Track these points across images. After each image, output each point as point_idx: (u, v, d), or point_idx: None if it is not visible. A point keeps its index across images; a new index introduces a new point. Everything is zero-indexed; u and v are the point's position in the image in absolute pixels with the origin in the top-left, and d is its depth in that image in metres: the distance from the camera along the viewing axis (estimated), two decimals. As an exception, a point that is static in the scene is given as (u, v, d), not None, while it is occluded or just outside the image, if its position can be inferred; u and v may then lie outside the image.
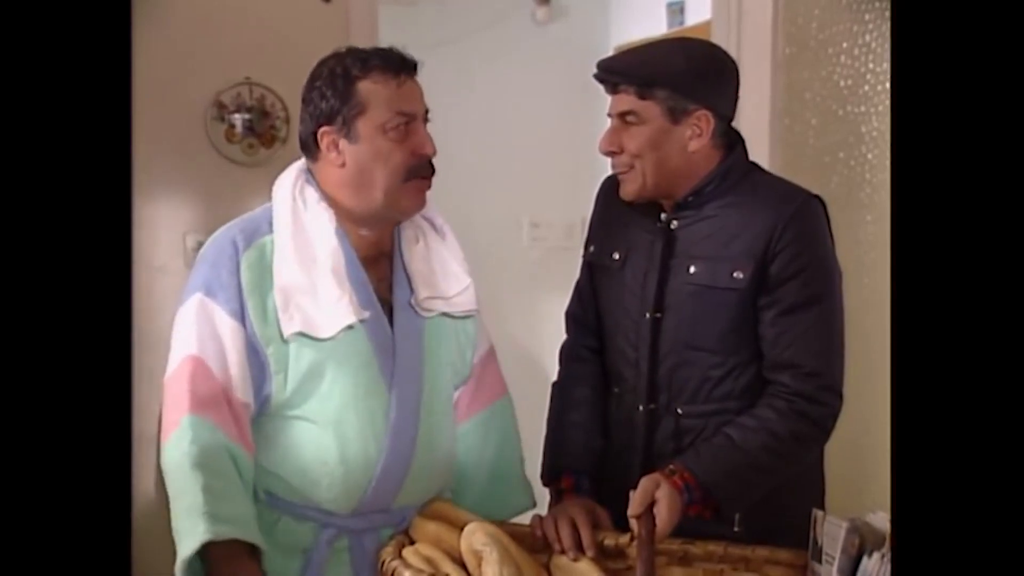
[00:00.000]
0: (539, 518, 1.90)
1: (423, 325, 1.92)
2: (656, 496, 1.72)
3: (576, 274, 2.14)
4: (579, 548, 1.81)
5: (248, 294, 1.80)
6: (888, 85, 2.88)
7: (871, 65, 2.95)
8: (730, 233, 1.89)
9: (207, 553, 1.72)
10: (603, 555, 1.82)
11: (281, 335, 1.80)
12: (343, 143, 1.83)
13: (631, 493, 1.73)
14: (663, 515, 1.70)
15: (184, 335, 1.81)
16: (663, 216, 1.96)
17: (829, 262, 1.92)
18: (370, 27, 3.02)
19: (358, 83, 1.82)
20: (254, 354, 1.80)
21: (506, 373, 2.09)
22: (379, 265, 1.91)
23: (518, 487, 2.05)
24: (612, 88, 1.94)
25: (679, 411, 1.94)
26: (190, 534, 1.70)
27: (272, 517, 1.86)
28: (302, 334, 1.80)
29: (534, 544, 1.86)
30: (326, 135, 1.84)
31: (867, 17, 2.96)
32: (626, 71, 1.92)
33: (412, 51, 1.89)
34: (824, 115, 3.06)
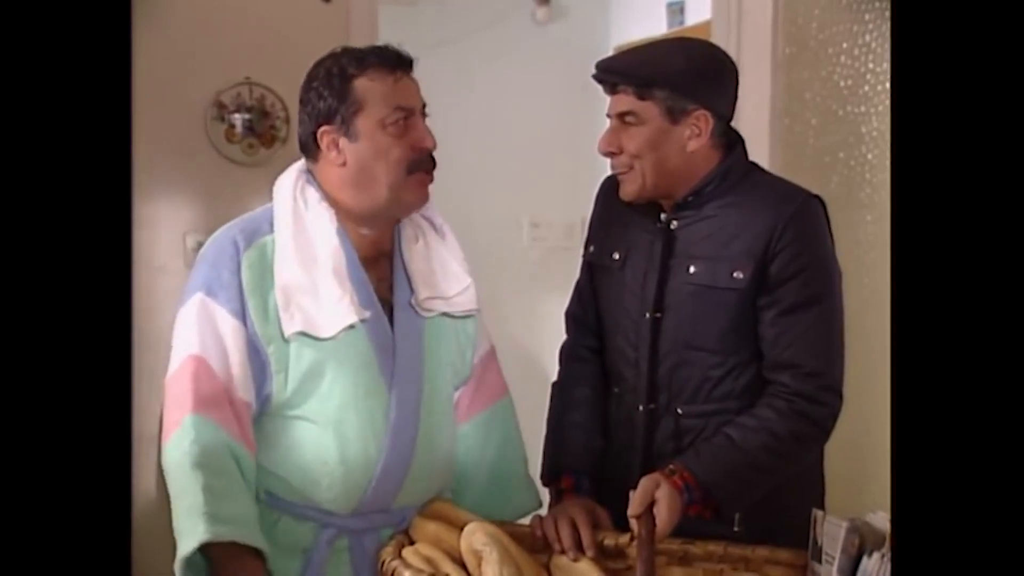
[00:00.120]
0: (539, 518, 1.91)
1: (423, 325, 1.92)
2: (656, 496, 1.72)
3: (576, 274, 2.14)
4: (579, 548, 1.81)
5: (249, 294, 1.80)
6: (888, 85, 2.88)
7: (871, 65, 2.95)
8: (730, 233, 1.89)
9: (210, 553, 1.72)
10: (603, 555, 1.83)
11: (282, 334, 1.80)
12: (343, 142, 1.83)
13: (631, 493, 1.73)
14: (663, 515, 1.70)
15: (185, 335, 1.81)
16: (663, 216, 1.96)
17: (829, 262, 1.92)
18: (370, 27, 3.02)
19: (354, 81, 1.82)
20: (255, 353, 1.80)
21: (506, 373, 2.09)
22: (379, 265, 1.91)
23: (521, 488, 2.05)
24: (611, 88, 1.94)
25: (679, 411, 1.94)
26: (190, 534, 1.70)
27: (272, 517, 1.86)
28: (303, 333, 1.80)
29: (534, 544, 1.86)
30: (326, 135, 1.84)
31: (867, 17, 2.96)
32: (625, 71, 1.92)
33: (412, 51, 1.89)
34: (824, 115, 3.07)
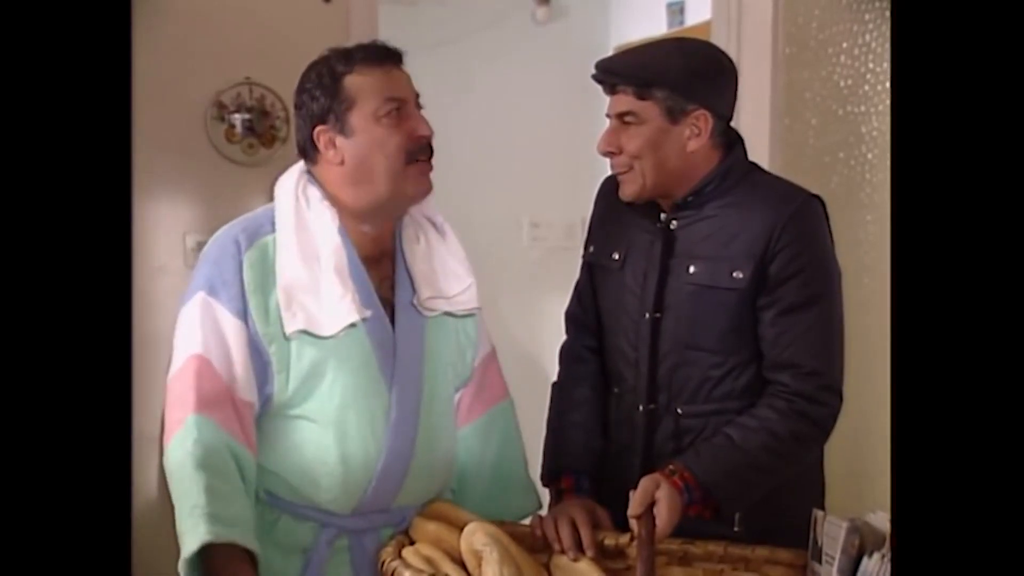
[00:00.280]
0: (539, 518, 1.91)
1: (424, 325, 1.92)
2: (656, 496, 1.72)
3: (576, 274, 2.14)
4: (579, 548, 1.81)
5: (251, 293, 1.80)
6: (888, 85, 2.88)
7: (871, 65, 2.95)
8: (730, 233, 1.89)
9: (206, 554, 1.72)
10: (603, 555, 1.83)
11: (284, 334, 1.80)
12: (339, 139, 1.84)
13: (631, 493, 1.73)
14: (663, 515, 1.70)
15: (188, 334, 1.81)
16: (663, 216, 1.96)
17: (829, 262, 1.92)
18: (370, 27, 3.02)
19: (344, 78, 1.83)
20: (257, 353, 1.80)
21: (506, 373, 2.09)
22: (381, 265, 1.91)
23: (522, 490, 2.05)
24: (610, 89, 1.94)
25: (679, 411, 1.94)
26: (191, 534, 1.70)
27: (272, 517, 1.86)
28: (305, 332, 1.80)
29: (534, 544, 1.86)
30: (322, 134, 1.85)
31: (867, 17, 2.96)
32: (624, 71, 1.92)
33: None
34: (824, 115, 3.07)
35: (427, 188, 1.89)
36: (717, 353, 1.91)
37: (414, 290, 1.91)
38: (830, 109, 3.05)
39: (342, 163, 1.85)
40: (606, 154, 1.96)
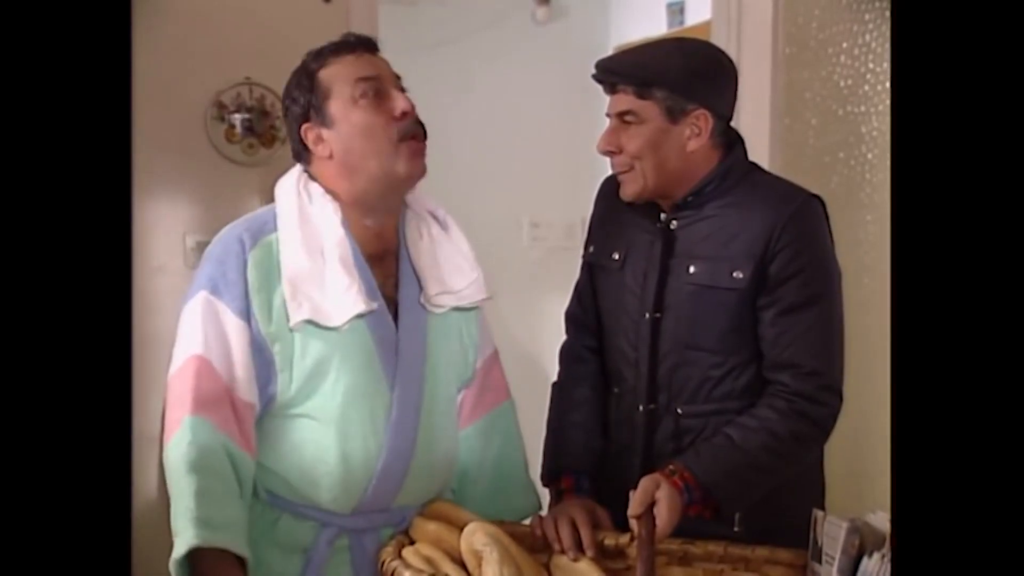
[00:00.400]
0: (539, 518, 1.91)
1: (428, 324, 1.91)
2: (656, 496, 1.72)
3: (576, 274, 2.14)
4: (579, 548, 1.81)
5: (254, 292, 1.80)
6: (888, 85, 2.88)
7: (871, 65, 2.95)
8: (730, 233, 1.89)
9: (196, 556, 1.72)
10: (603, 555, 1.83)
11: (288, 329, 1.79)
12: (324, 132, 1.85)
13: (631, 493, 1.73)
14: (663, 515, 1.70)
15: (189, 333, 1.81)
16: (663, 216, 1.96)
17: (829, 262, 1.92)
18: (370, 27, 3.01)
19: (319, 73, 1.86)
20: (259, 353, 1.80)
21: (506, 373, 2.09)
22: (385, 263, 1.91)
23: (522, 490, 2.05)
24: (610, 88, 1.94)
25: (679, 411, 1.94)
26: (180, 537, 1.71)
27: (273, 516, 1.86)
28: (310, 322, 1.79)
29: (534, 544, 1.86)
30: (308, 131, 1.86)
31: (867, 17, 2.96)
32: (624, 71, 1.92)
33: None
34: (824, 115, 3.06)
35: (420, 169, 1.87)
36: (717, 353, 1.91)
37: (420, 287, 1.91)
38: (830, 109, 3.05)
39: (331, 156, 1.85)
40: (606, 153, 1.96)
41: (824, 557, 1.69)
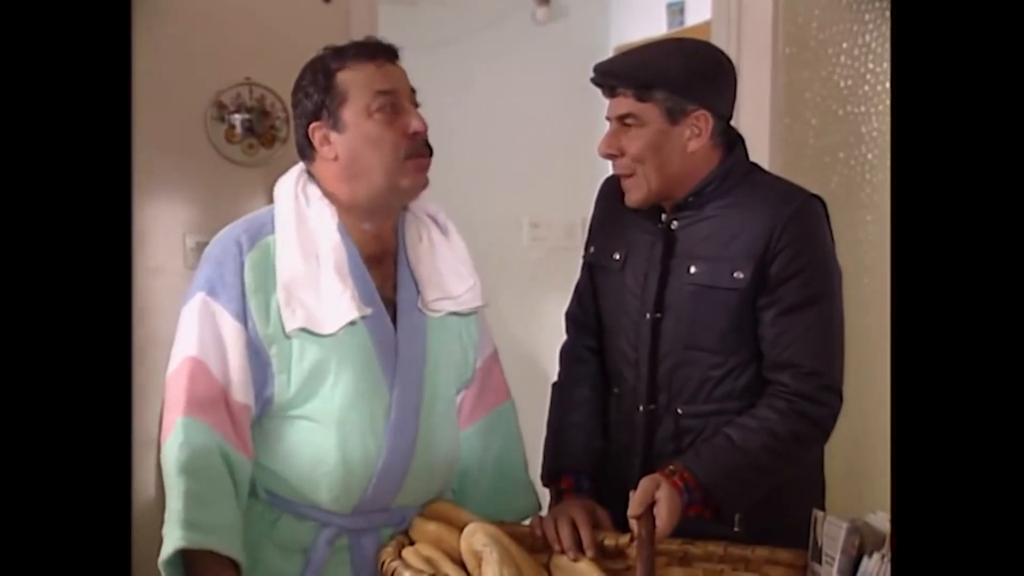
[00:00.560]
0: (539, 518, 1.91)
1: (427, 325, 1.91)
2: (656, 496, 1.71)
3: (576, 274, 2.14)
4: (579, 548, 1.81)
5: (251, 294, 1.80)
6: (888, 85, 2.88)
7: (871, 65, 2.95)
8: (730, 233, 1.89)
9: (188, 558, 1.72)
10: (603, 555, 1.83)
11: (284, 333, 1.80)
12: (333, 135, 1.84)
13: (631, 493, 1.73)
14: (663, 515, 1.70)
15: (186, 335, 1.81)
16: (663, 216, 1.96)
17: (829, 262, 1.92)
18: (370, 27, 3.01)
19: (337, 74, 1.84)
20: (256, 355, 1.80)
21: (506, 373, 2.09)
22: (384, 265, 1.91)
23: (522, 491, 2.05)
24: (610, 91, 1.94)
25: (679, 411, 1.94)
26: (167, 539, 1.72)
27: (272, 516, 1.86)
28: (305, 330, 1.79)
29: (534, 544, 1.86)
30: (316, 131, 1.85)
31: (867, 17, 2.96)
32: (623, 74, 1.92)
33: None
34: (824, 115, 3.06)
35: (423, 183, 1.89)
36: (717, 353, 1.91)
37: (418, 291, 1.91)
38: (830, 109, 3.05)
39: (336, 159, 1.85)
40: (607, 157, 1.96)
41: (824, 557, 1.69)
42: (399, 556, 1.75)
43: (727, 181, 1.93)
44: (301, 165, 1.92)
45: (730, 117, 1.96)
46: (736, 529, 1.87)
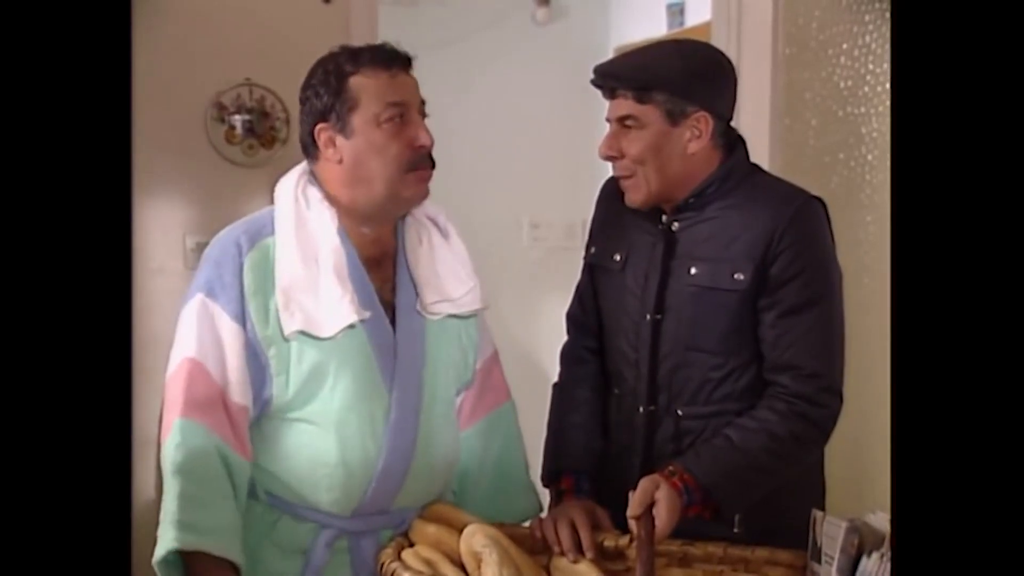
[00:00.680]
0: (539, 520, 1.91)
1: (426, 328, 1.91)
2: (656, 497, 1.71)
3: (576, 274, 2.14)
4: (579, 549, 1.81)
5: (251, 296, 1.80)
6: (888, 86, 2.88)
7: (871, 66, 2.95)
8: (731, 235, 1.89)
9: (186, 560, 1.73)
10: (603, 556, 1.82)
11: (283, 335, 1.80)
12: (339, 139, 1.83)
13: (631, 494, 1.73)
14: (662, 516, 1.70)
15: (185, 336, 1.81)
16: (664, 218, 1.96)
17: (829, 263, 1.92)
18: (370, 27, 3.02)
19: (350, 78, 1.82)
20: (254, 357, 1.80)
21: (506, 373, 2.09)
22: (383, 267, 1.90)
23: (523, 492, 2.05)
24: (610, 93, 1.94)
25: (679, 412, 1.94)
26: (161, 539, 1.72)
27: (272, 517, 1.86)
28: (303, 333, 1.79)
29: (534, 546, 1.86)
30: (322, 132, 1.84)
31: (867, 18, 2.96)
32: (623, 75, 1.92)
33: (412, 51, 1.89)
34: (824, 116, 3.06)
35: (424, 194, 1.89)
36: (717, 355, 1.91)
37: (417, 293, 1.91)
38: (830, 110, 3.05)
39: (340, 162, 1.84)
40: (608, 158, 1.96)
41: (823, 557, 1.69)
42: (398, 558, 1.75)
43: (728, 182, 1.93)
44: (301, 167, 1.92)
45: (730, 118, 1.96)
46: (736, 530, 1.87)
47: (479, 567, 1.72)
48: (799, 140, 3.11)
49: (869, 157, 2.96)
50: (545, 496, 2.05)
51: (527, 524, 1.93)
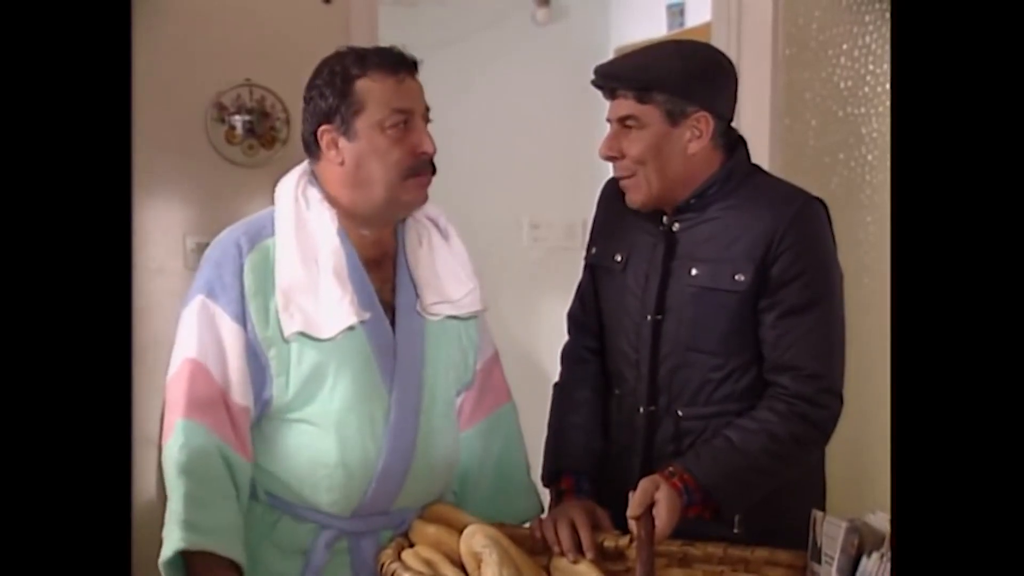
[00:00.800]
0: (539, 520, 1.91)
1: (426, 329, 1.91)
2: (656, 497, 1.71)
3: (577, 275, 2.14)
4: (579, 550, 1.81)
5: (251, 297, 1.80)
6: (888, 87, 2.88)
7: (871, 67, 2.95)
8: (732, 235, 1.89)
9: (189, 559, 1.73)
10: (603, 557, 1.82)
11: (283, 336, 1.80)
12: (342, 141, 1.83)
13: (631, 494, 1.73)
14: (662, 516, 1.70)
15: (186, 337, 1.81)
16: (665, 218, 1.96)
17: (830, 264, 1.92)
18: (370, 27, 3.02)
19: (356, 82, 1.82)
20: (254, 357, 1.80)
21: (507, 374, 2.09)
22: (383, 268, 1.90)
23: (523, 493, 2.05)
24: (610, 93, 1.94)
25: (679, 413, 1.94)
26: (167, 540, 1.73)
27: (272, 518, 1.86)
28: (303, 334, 1.79)
29: (534, 546, 1.86)
30: (325, 133, 1.84)
31: (867, 19, 2.96)
32: (624, 76, 1.92)
33: (412, 51, 1.88)
34: (824, 116, 3.06)
35: (422, 200, 1.89)
36: (718, 355, 1.91)
37: (417, 294, 1.91)
38: (830, 110, 3.05)
39: (342, 164, 1.84)
40: (608, 159, 1.96)
41: (823, 557, 1.69)
42: (398, 558, 1.75)
43: (729, 183, 1.93)
44: (302, 167, 1.92)
45: (731, 118, 1.96)
46: (736, 530, 1.87)
47: (479, 567, 1.72)
48: (799, 140, 3.11)
49: (869, 157, 2.96)
50: (545, 497, 2.05)
51: (527, 525, 1.93)
